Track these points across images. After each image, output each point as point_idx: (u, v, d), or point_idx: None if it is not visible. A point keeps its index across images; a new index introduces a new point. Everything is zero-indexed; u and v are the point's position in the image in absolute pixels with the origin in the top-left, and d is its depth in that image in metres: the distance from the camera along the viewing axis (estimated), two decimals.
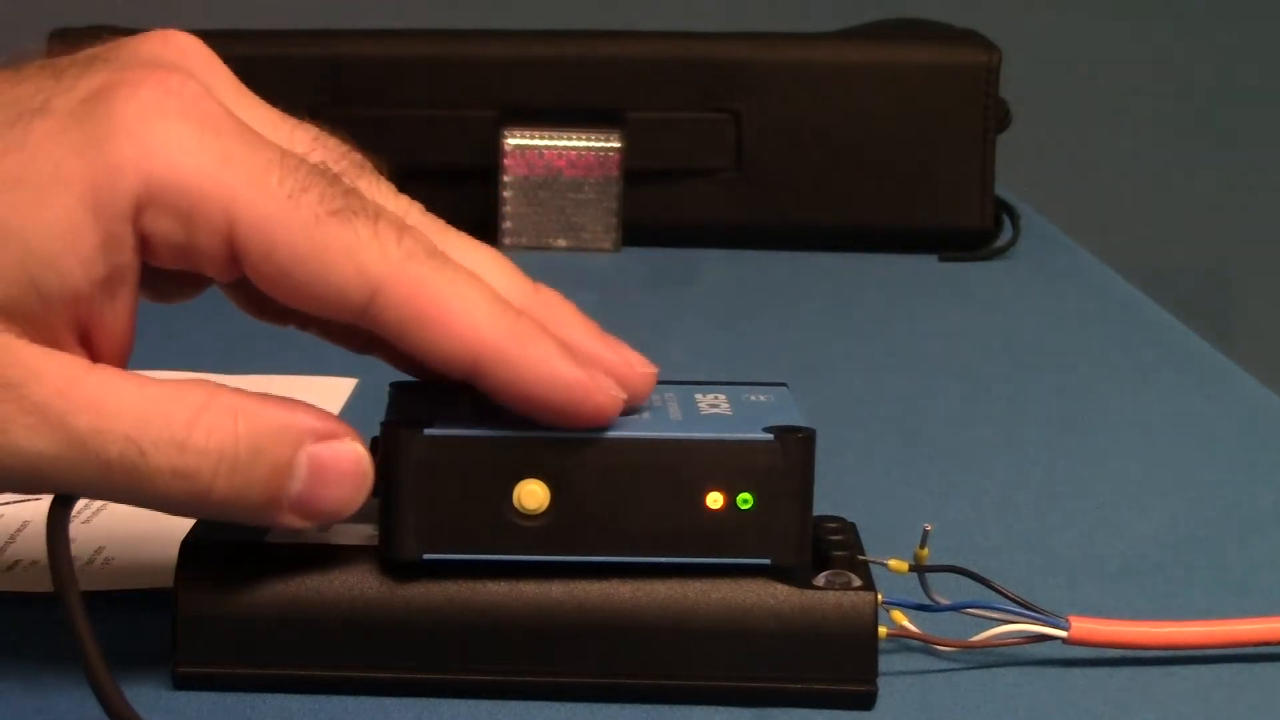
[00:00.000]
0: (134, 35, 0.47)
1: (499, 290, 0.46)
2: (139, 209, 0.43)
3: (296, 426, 0.45)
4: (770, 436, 0.46)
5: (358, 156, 0.48)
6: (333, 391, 0.69)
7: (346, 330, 0.47)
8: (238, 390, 0.45)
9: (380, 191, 0.47)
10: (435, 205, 1.10)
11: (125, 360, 0.45)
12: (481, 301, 0.45)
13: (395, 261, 0.44)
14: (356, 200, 0.44)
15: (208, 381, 0.45)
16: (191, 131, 0.44)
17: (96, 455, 0.43)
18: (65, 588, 0.43)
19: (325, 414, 0.45)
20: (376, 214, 0.45)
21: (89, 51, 0.46)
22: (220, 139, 0.44)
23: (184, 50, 0.46)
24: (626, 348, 0.48)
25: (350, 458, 0.45)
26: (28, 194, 0.43)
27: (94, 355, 0.44)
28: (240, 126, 0.45)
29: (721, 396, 0.49)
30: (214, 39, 1.10)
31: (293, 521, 0.45)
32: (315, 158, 0.46)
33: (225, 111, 0.45)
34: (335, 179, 0.45)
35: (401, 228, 0.45)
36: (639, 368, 0.48)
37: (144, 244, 0.44)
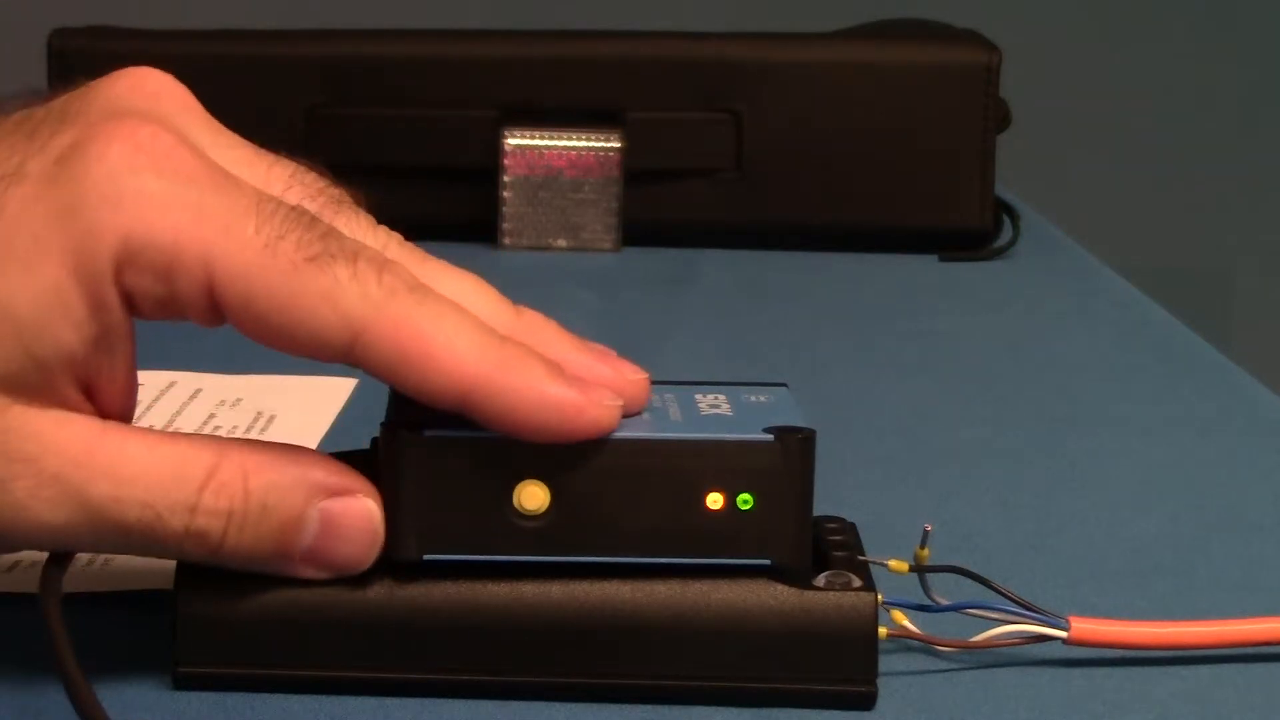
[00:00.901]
0: (107, 76, 0.46)
1: (482, 317, 0.46)
2: (119, 268, 0.43)
3: (307, 482, 0.45)
4: (770, 437, 0.46)
5: (335, 191, 0.47)
6: (333, 392, 0.69)
7: None
8: (251, 444, 0.45)
9: (359, 227, 0.47)
10: (435, 205, 1.09)
11: (132, 406, 0.46)
12: (464, 333, 0.44)
13: (376, 301, 0.44)
14: (335, 243, 0.44)
15: (218, 439, 0.45)
16: (164, 186, 0.43)
17: (115, 522, 0.44)
18: (62, 651, 0.44)
19: (340, 468, 0.46)
20: (355, 254, 0.44)
21: (63, 100, 0.46)
22: (194, 190, 0.44)
23: (157, 93, 0.46)
24: (615, 356, 0.48)
25: (361, 514, 0.45)
26: (11, 267, 0.43)
27: (100, 405, 0.45)
28: (215, 173, 0.44)
29: (721, 397, 0.49)
30: (214, 39, 1.10)
31: (307, 572, 0.46)
32: (292, 197, 0.46)
33: (199, 159, 0.44)
34: (313, 221, 0.44)
35: (381, 265, 0.44)
36: (630, 375, 0.48)
37: (128, 300, 0.44)
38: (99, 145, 0.43)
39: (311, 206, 0.46)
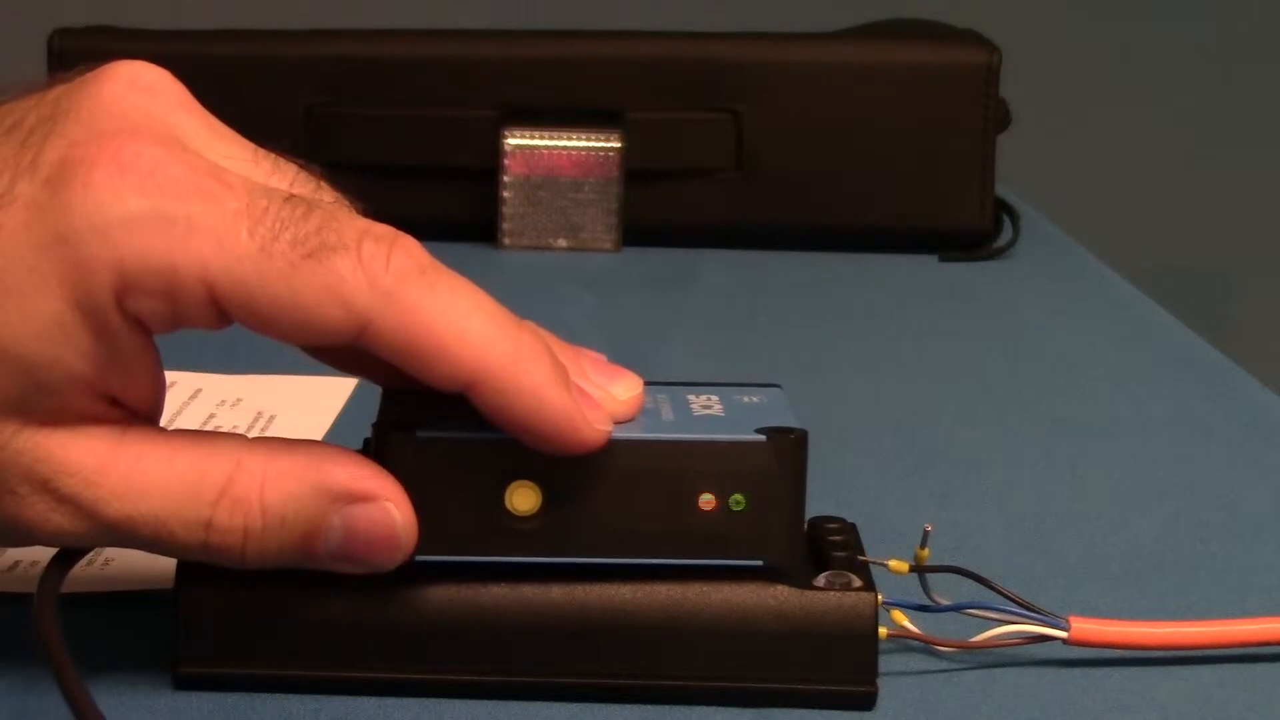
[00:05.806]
0: (102, 69, 0.45)
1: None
2: (120, 296, 0.43)
3: (327, 491, 0.45)
4: (762, 438, 0.46)
5: (333, 193, 0.47)
6: (333, 391, 0.69)
7: (339, 355, 0.48)
8: (271, 449, 0.45)
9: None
10: (435, 205, 1.09)
11: (161, 400, 0.46)
12: (476, 320, 0.44)
13: (384, 289, 0.43)
14: (333, 232, 0.43)
15: (239, 442, 0.45)
16: (151, 206, 0.43)
17: (130, 537, 0.45)
18: (56, 652, 0.44)
19: (363, 467, 0.45)
20: (359, 239, 0.43)
21: (55, 96, 0.45)
22: (183, 204, 0.43)
23: (150, 89, 0.45)
24: (606, 374, 0.48)
25: (383, 521, 0.45)
26: (9, 301, 0.42)
27: (128, 406, 0.45)
28: (202, 178, 0.43)
29: (714, 397, 0.49)
30: (214, 39, 1.10)
31: (338, 568, 0.46)
32: (286, 184, 0.45)
33: (185, 165, 0.43)
34: (308, 210, 0.43)
35: (391, 243, 0.44)
36: (623, 395, 0.47)
37: (136, 321, 0.43)
38: (84, 170, 0.43)
39: (306, 191, 0.45)
